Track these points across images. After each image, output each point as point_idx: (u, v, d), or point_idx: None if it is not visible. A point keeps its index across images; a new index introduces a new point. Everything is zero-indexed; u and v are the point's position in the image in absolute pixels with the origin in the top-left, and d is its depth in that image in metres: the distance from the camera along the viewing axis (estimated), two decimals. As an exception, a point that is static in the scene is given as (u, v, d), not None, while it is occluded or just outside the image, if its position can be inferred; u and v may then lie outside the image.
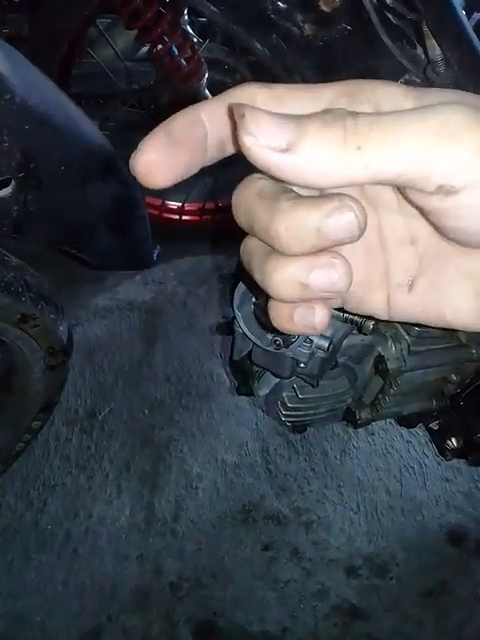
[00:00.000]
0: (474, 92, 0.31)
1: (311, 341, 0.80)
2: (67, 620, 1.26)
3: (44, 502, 1.43)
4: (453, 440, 1.11)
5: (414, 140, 0.25)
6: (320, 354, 0.82)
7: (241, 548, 1.41)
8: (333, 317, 0.81)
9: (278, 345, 0.77)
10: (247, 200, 0.30)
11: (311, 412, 1.02)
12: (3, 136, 0.86)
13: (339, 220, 0.26)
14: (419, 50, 1.21)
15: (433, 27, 1.11)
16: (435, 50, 1.12)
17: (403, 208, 0.32)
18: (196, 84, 1.78)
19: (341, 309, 0.37)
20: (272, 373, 0.89)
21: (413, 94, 0.30)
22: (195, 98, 1.79)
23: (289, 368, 0.82)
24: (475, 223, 0.28)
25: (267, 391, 0.97)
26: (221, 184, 2.04)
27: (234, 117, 0.27)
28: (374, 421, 1.09)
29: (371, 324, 0.85)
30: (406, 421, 1.16)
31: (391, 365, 0.95)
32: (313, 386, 0.91)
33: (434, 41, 1.12)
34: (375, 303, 0.35)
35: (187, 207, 2.15)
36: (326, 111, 0.28)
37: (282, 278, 0.28)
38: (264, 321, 0.74)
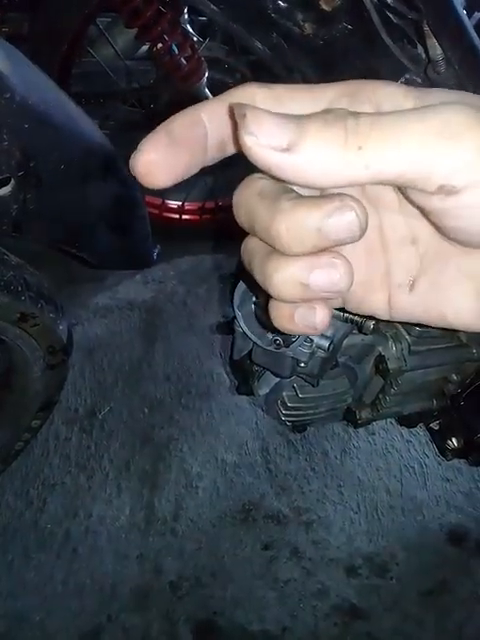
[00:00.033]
0: (475, 91, 0.31)
1: (311, 341, 0.79)
2: (67, 619, 1.26)
3: (44, 501, 1.43)
4: (453, 440, 1.11)
5: (415, 140, 0.25)
6: (320, 354, 0.82)
7: (241, 547, 1.41)
8: (333, 317, 0.81)
9: (278, 344, 0.77)
10: (248, 200, 0.30)
11: (311, 412, 1.02)
12: (3, 135, 0.86)
13: (340, 220, 0.26)
14: (420, 49, 1.21)
15: (434, 26, 1.10)
16: (436, 49, 1.12)
17: (404, 208, 0.32)
18: (196, 83, 1.78)
19: (341, 309, 0.37)
20: (272, 372, 0.89)
21: (414, 94, 0.30)
22: (195, 97, 1.79)
23: (289, 367, 0.82)
24: (476, 223, 0.28)
25: (267, 390, 0.97)
26: (221, 183, 2.04)
27: (235, 117, 0.27)
28: (374, 421, 1.09)
29: (371, 324, 0.85)
30: (406, 421, 1.16)
31: (391, 365, 0.95)
32: (313, 386, 0.91)
33: (435, 40, 1.11)
34: (376, 303, 0.35)
35: (187, 206, 2.15)
36: (327, 111, 0.27)
37: (283, 278, 0.28)
38: (264, 321, 0.74)
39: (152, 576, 1.34)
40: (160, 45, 1.68)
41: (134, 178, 0.30)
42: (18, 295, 0.99)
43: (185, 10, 1.86)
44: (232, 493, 1.51)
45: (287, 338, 0.77)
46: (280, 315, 0.31)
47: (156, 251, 1.37)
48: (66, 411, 1.62)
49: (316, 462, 1.60)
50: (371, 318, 0.82)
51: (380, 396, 1.03)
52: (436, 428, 1.15)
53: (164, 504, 1.47)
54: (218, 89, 1.87)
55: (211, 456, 1.58)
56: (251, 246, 0.31)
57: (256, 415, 1.67)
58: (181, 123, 0.30)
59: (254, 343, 0.79)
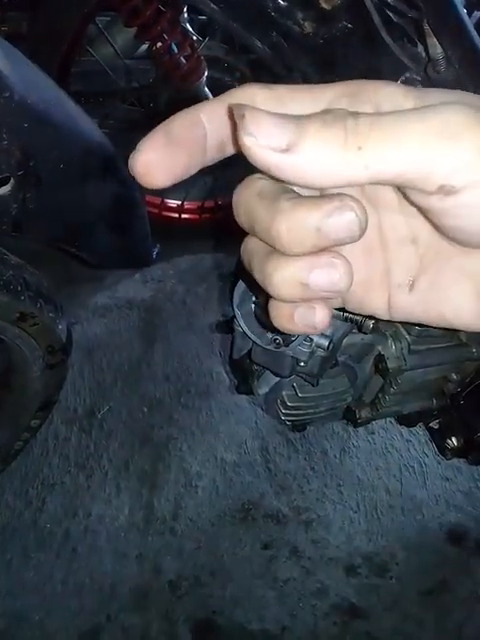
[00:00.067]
0: (475, 90, 0.31)
1: (311, 340, 0.79)
2: (66, 619, 1.26)
3: (43, 501, 1.43)
4: (453, 439, 1.11)
5: (414, 140, 0.25)
6: (320, 353, 0.82)
7: (240, 547, 1.41)
8: (333, 316, 0.81)
9: (278, 344, 0.77)
10: (247, 200, 0.30)
11: (311, 411, 1.02)
12: (2, 134, 0.85)
13: (340, 220, 0.26)
14: (420, 48, 1.21)
15: (434, 25, 1.10)
16: (436, 48, 1.12)
17: (404, 208, 0.32)
18: (195, 82, 1.78)
19: (341, 308, 0.37)
20: (272, 372, 0.89)
21: (414, 94, 0.30)
22: (195, 96, 1.79)
23: (289, 367, 0.82)
24: (475, 223, 0.28)
25: (267, 390, 0.97)
26: (221, 182, 2.04)
27: (234, 118, 0.27)
28: (374, 420, 1.09)
29: (371, 323, 0.85)
30: (406, 420, 1.16)
31: (391, 364, 0.95)
32: (313, 385, 0.91)
33: (435, 39, 1.11)
34: (376, 303, 0.35)
35: (186, 205, 2.15)
36: (326, 111, 0.27)
37: (283, 278, 0.28)
38: (264, 320, 0.74)
39: (151, 575, 1.34)
40: (159, 44, 1.67)
41: (133, 177, 0.30)
42: (17, 294, 0.99)
43: (185, 9, 1.85)
44: (231, 492, 1.51)
45: (287, 337, 0.77)
46: (280, 315, 0.31)
47: (155, 250, 1.38)
48: (65, 411, 1.62)
49: (316, 461, 1.60)
50: (371, 317, 0.82)
51: (380, 395, 1.03)
52: (436, 427, 1.15)
53: (163, 503, 1.47)
54: (218, 88, 1.87)
55: (210, 455, 1.58)
56: (251, 246, 0.31)
57: (256, 414, 1.67)
58: (180, 123, 0.30)
59: (254, 342, 0.79)
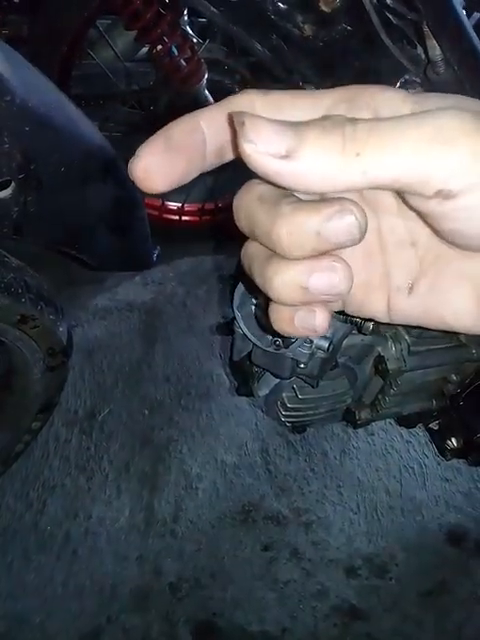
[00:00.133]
0: (473, 91, 0.31)
1: (311, 341, 0.80)
2: (67, 621, 1.26)
3: (43, 503, 1.43)
4: (453, 440, 1.11)
5: (412, 146, 0.26)
6: (320, 354, 0.82)
7: (241, 548, 1.41)
8: (333, 317, 0.81)
9: (278, 346, 0.77)
10: (248, 204, 0.30)
11: (311, 412, 1.02)
12: (3, 137, 0.86)
13: (339, 223, 0.27)
14: (419, 50, 1.21)
15: (433, 27, 1.11)
16: (435, 50, 1.13)
17: (403, 211, 0.32)
18: (196, 85, 1.78)
19: (341, 311, 0.37)
20: (272, 373, 0.89)
21: (412, 99, 0.30)
22: (195, 99, 1.79)
23: (289, 368, 0.82)
24: (473, 226, 0.28)
25: (267, 391, 0.97)
26: (221, 184, 2.04)
27: (234, 125, 0.27)
28: (374, 421, 1.09)
29: (371, 324, 0.85)
30: (406, 421, 1.16)
31: (391, 365, 0.95)
32: (313, 386, 0.91)
33: (434, 41, 1.12)
34: (375, 306, 0.35)
35: (187, 208, 2.15)
36: (325, 118, 0.28)
37: (283, 281, 0.29)
38: (264, 322, 0.74)
39: (152, 577, 1.34)
40: (160, 47, 1.68)
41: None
42: (18, 297, 0.99)
43: (185, 12, 1.86)
44: (232, 494, 1.51)
45: (287, 339, 0.77)
46: (280, 318, 0.31)
47: (156, 252, 1.38)
48: (66, 413, 1.62)
49: (316, 463, 1.60)
50: (370, 319, 0.82)
51: (379, 396, 1.03)
52: (435, 428, 1.15)
53: (164, 505, 1.47)
54: (218, 90, 1.87)
55: (211, 457, 1.58)
56: (251, 250, 0.31)
57: (256, 416, 1.67)
58: (180, 129, 0.30)
59: (254, 344, 0.79)
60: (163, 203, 2.10)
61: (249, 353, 0.85)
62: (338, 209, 0.27)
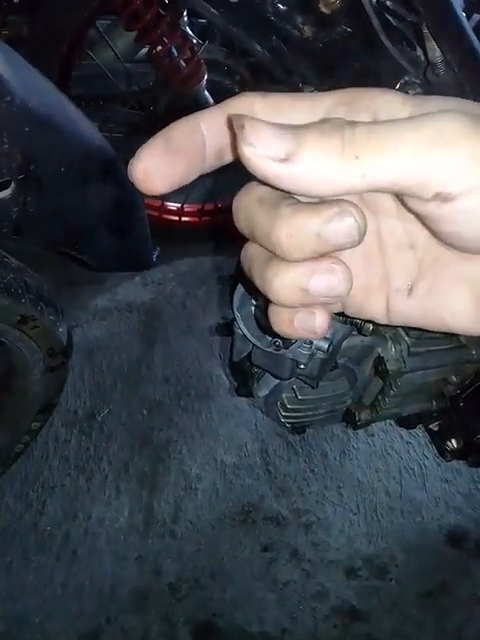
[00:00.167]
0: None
1: (311, 342, 0.80)
2: (66, 621, 1.26)
3: (43, 503, 1.44)
4: (453, 441, 1.11)
5: (410, 149, 0.26)
6: (320, 355, 0.82)
7: (240, 549, 1.41)
8: (333, 319, 0.81)
9: (278, 346, 0.77)
10: (247, 206, 0.30)
11: (311, 413, 1.02)
12: (3, 138, 0.86)
13: (339, 225, 0.27)
14: (419, 52, 1.21)
15: (433, 29, 1.11)
16: (435, 52, 1.13)
17: (402, 214, 0.32)
18: (195, 85, 1.78)
19: (341, 313, 0.37)
20: (272, 374, 0.89)
21: (411, 102, 0.30)
22: (194, 99, 1.79)
23: (289, 369, 0.82)
24: (472, 228, 0.28)
25: (266, 392, 0.97)
26: (220, 185, 2.04)
27: (234, 128, 0.27)
28: (374, 422, 1.10)
29: (371, 325, 0.86)
30: (406, 422, 1.17)
31: (391, 366, 0.95)
32: (313, 387, 0.91)
33: (434, 43, 1.12)
34: (375, 307, 0.35)
35: (186, 208, 2.15)
36: (324, 121, 0.28)
37: (283, 283, 0.29)
38: (264, 323, 0.74)
39: (151, 578, 1.34)
40: (160, 48, 1.68)
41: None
42: (18, 298, 0.99)
43: (185, 13, 1.86)
44: (231, 495, 1.51)
45: (286, 340, 0.77)
46: (280, 320, 0.31)
47: (155, 253, 1.38)
48: (65, 413, 1.62)
49: (315, 464, 1.60)
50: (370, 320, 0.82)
51: (379, 397, 1.04)
52: (435, 429, 1.15)
53: (163, 506, 1.47)
54: (218, 91, 1.87)
55: (210, 458, 1.58)
56: (251, 252, 0.32)
57: (255, 417, 1.67)
58: (179, 131, 0.30)
59: (253, 345, 0.79)
60: (163, 204, 2.10)
61: (249, 354, 0.85)
62: (338, 211, 0.27)
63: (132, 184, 0.30)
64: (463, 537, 1.48)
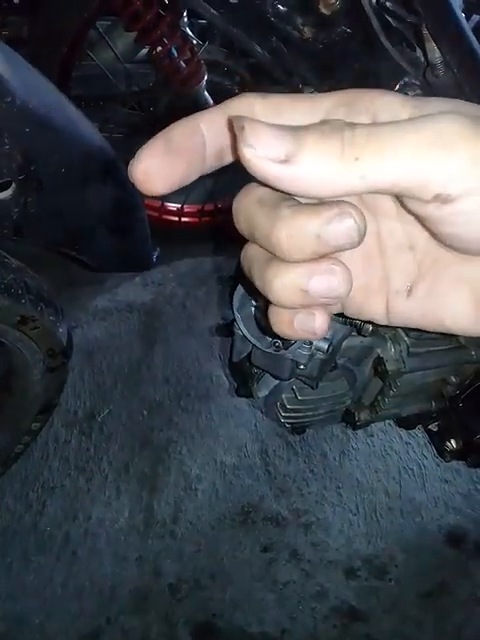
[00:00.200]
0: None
1: (310, 343, 0.80)
2: (66, 622, 1.26)
3: (43, 504, 1.44)
4: (452, 441, 1.11)
5: (410, 151, 0.26)
6: (319, 356, 0.82)
7: (240, 549, 1.41)
8: (332, 319, 0.81)
9: (277, 347, 0.77)
10: (247, 207, 0.30)
11: (310, 414, 1.03)
12: (4, 139, 0.86)
13: (339, 226, 0.27)
14: (418, 53, 1.21)
15: (432, 30, 1.11)
16: (434, 53, 1.13)
17: (402, 215, 0.32)
18: (195, 86, 1.78)
19: (340, 314, 0.37)
20: (271, 375, 0.89)
21: (411, 103, 0.30)
22: (194, 100, 1.79)
23: (288, 370, 0.83)
24: (471, 230, 0.28)
25: (266, 393, 0.98)
26: (220, 186, 2.04)
27: (234, 129, 0.27)
28: (373, 422, 1.10)
29: (370, 326, 0.86)
30: (405, 422, 1.17)
31: (390, 367, 0.95)
32: (312, 388, 0.91)
33: (433, 44, 1.12)
34: (374, 308, 0.36)
35: (186, 209, 2.15)
36: (324, 122, 0.28)
37: (283, 284, 0.29)
38: (264, 324, 0.74)
39: (151, 578, 1.34)
40: (160, 48, 1.68)
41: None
42: (18, 298, 0.99)
43: (185, 13, 1.86)
44: (231, 495, 1.51)
45: (286, 341, 0.77)
46: (279, 321, 0.31)
47: (155, 254, 1.38)
48: (65, 414, 1.63)
49: (315, 464, 1.60)
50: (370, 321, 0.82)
51: (379, 398, 1.04)
52: (435, 430, 1.15)
53: (163, 506, 1.47)
54: (218, 92, 1.87)
55: (210, 458, 1.58)
56: (251, 253, 0.32)
57: (255, 417, 1.68)
58: (179, 132, 0.30)
59: (253, 345, 0.79)
60: (163, 204, 2.10)
61: (249, 354, 0.85)
62: (337, 212, 0.27)
63: (132, 185, 0.30)
64: (462, 537, 1.48)
